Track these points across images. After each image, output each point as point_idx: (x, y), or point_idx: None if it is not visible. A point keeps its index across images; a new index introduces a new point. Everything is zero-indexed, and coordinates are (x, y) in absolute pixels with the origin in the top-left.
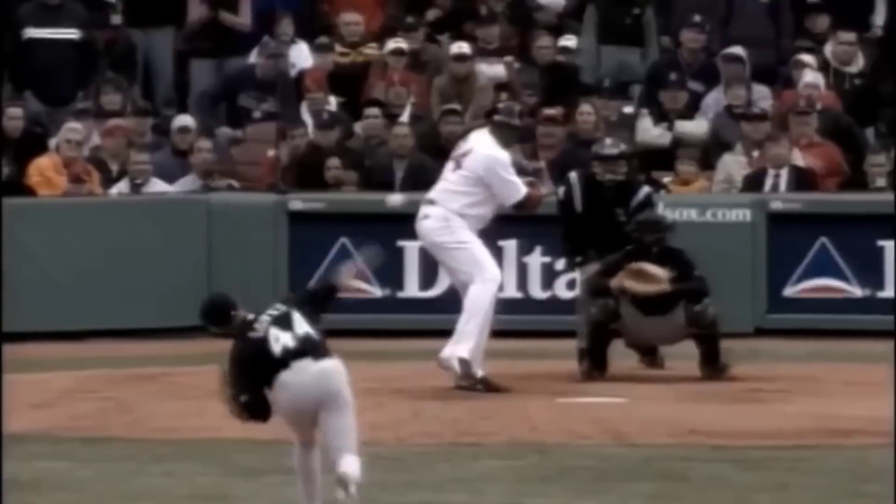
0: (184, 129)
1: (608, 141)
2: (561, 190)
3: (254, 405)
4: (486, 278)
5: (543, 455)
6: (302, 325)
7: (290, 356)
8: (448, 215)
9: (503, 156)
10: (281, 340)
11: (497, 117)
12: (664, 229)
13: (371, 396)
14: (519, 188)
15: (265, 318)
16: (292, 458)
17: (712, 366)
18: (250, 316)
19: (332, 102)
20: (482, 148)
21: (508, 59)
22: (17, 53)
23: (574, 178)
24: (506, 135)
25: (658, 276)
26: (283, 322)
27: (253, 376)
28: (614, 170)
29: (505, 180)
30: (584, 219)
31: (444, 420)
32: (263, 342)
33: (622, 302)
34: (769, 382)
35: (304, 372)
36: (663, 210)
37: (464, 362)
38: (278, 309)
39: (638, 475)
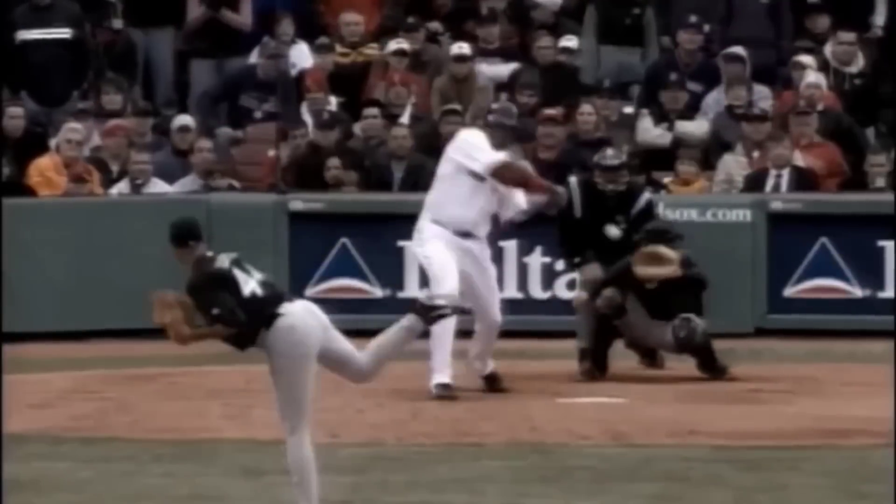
0: (184, 129)
1: (609, 152)
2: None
3: (227, 316)
4: None
5: (543, 455)
6: (256, 271)
7: (269, 304)
8: (422, 225)
9: (473, 135)
10: (250, 284)
11: (491, 117)
12: (673, 239)
13: (371, 396)
14: (491, 154)
15: (224, 256)
16: (287, 458)
17: (710, 370)
18: (209, 253)
19: (333, 103)
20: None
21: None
22: (11, 55)
23: (574, 183)
24: (499, 135)
25: (670, 257)
26: (241, 265)
27: (222, 294)
28: (616, 180)
29: (473, 148)
30: (584, 224)
31: (444, 420)
32: (230, 273)
33: (630, 298)
34: (769, 382)
35: (295, 313)
36: (663, 211)
37: (440, 386)
38: (228, 254)
39: (638, 475)
